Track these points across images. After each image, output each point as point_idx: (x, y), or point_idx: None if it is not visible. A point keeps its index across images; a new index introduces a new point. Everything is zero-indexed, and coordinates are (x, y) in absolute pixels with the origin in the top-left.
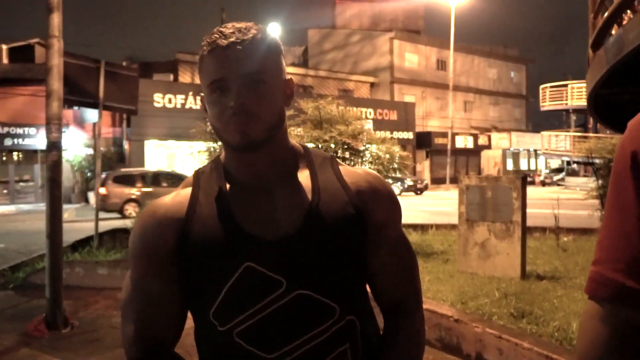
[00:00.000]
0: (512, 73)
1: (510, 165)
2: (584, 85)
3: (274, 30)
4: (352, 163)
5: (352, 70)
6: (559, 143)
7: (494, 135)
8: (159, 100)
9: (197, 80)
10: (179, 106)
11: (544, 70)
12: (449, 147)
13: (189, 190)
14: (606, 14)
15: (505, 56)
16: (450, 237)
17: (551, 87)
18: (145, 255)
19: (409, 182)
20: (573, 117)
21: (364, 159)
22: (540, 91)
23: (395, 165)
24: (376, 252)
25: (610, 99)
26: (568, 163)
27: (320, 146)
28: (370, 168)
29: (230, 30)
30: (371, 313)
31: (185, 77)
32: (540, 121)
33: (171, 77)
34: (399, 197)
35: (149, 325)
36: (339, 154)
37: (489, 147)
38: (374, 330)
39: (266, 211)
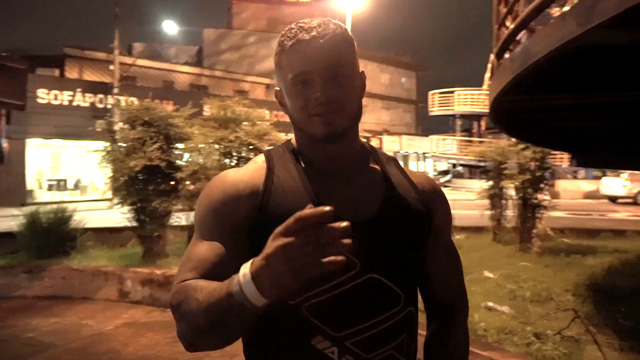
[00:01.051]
0: (403, 79)
1: None
2: (469, 92)
3: (170, 28)
4: None
5: (248, 71)
6: (446, 146)
7: (386, 138)
8: (44, 96)
9: (87, 77)
10: (65, 103)
11: (437, 78)
12: None
13: (263, 164)
14: (512, 26)
15: (397, 62)
16: None
17: (439, 93)
18: (213, 215)
19: None
20: (459, 122)
21: None
22: (429, 97)
23: None
24: (435, 252)
25: (510, 105)
26: (454, 165)
27: (224, 146)
28: None
29: (311, 25)
30: (418, 310)
31: (72, 73)
32: (429, 125)
33: (57, 72)
34: None
35: (207, 275)
36: (243, 155)
37: (380, 149)
38: (417, 326)
39: (344, 195)
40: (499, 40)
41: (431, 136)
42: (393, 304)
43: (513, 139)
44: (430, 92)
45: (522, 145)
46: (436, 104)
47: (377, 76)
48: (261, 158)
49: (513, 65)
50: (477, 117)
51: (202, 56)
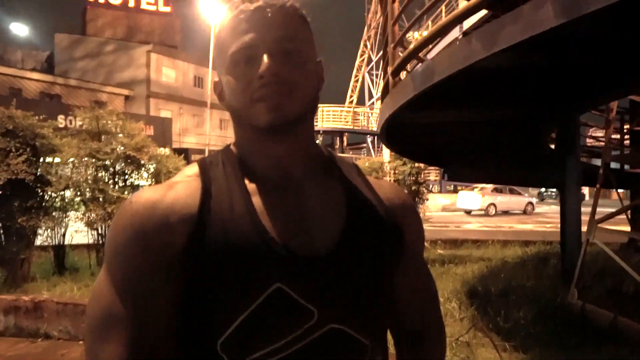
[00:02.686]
0: None
1: None
2: (332, 108)
3: (19, 30)
4: (135, 178)
5: (106, 81)
6: None
7: None
8: None
9: None
10: None
11: None
12: None
13: (196, 181)
14: (412, 46)
15: None
16: None
17: None
18: (142, 255)
19: None
20: (320, 138)
21: (143, 174)
22: None
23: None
24: (404, 275)
25: (402, 121)
26: None
27: (99, 159)
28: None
29: None
30: (387, 350)
31: None
32: None
33: None
34: None
35: (142, 351)
36: (117, 168)
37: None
38: None
39: (296, 215)
40: (394, 59)
41: None
42: (360, 358)
43: (385, 156)
44: None
45: (400, 161)
46: None
47: None
48: (193, 170)
49: (414, 83)
50: (339, 133)
51: (54, 63)
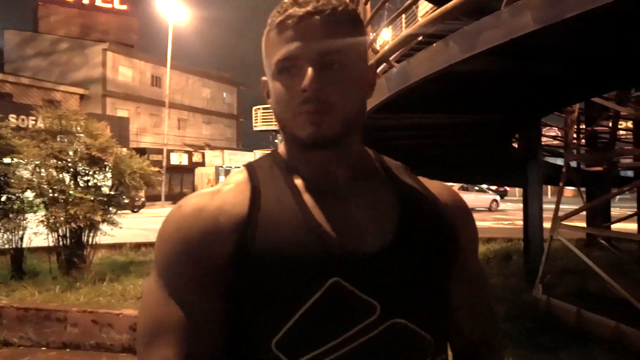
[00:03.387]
0: (224, 94)
1: None
2: None
3: None
4: (99, 180)
5: (60, 80)
6: None
7: (208, 153)
8: None
9: None
10: None
11: (258, 95)
12: (164, 164)
13: (245, 184)
14: (386, 48)
15: (218, 78)
16: None
17: (263, 109)
18: (189, 261)
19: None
20: (279, 137)
21: (108, 174)
22: (253, 112)
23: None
24: (458, 281)
25: (374, 123)
26: None
27: (61, 160)
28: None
29: None
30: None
31: None
32: (250, 141)
33: None
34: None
35: (193, 357)
36: (79, 169)
37: (202, 164)
38: None
39: (346, 219)
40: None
41: (255, 151)
42: (423, 354)
43: None
44: (255, 108)
45: None
46: (260, 119)
47: (198, 90)
48: (242, 175)
49: (389, 85)
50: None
51: (3, 61)
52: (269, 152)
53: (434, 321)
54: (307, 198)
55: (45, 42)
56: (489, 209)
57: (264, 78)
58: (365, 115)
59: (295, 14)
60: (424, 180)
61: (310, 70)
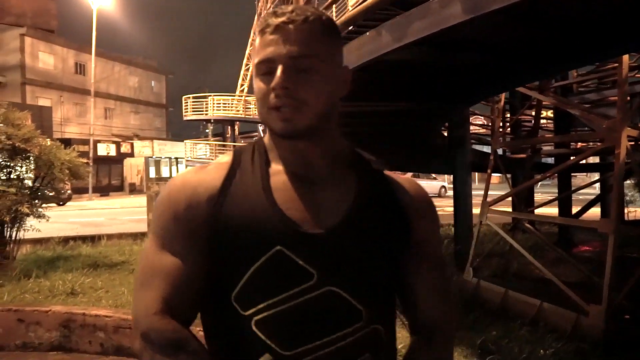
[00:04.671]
0: (152, 83)
1: (152, 173)
2: (223, 97)
3: None
4: (22, 172)
5: None
6: (199, 151)
7: (137, 143)
8: None
9: None
10: None
11: (186, 84)
12: (90, 154)
13: (226, 164)
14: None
15: (146, 66)
16: (125, 247)
17: (193, 98)
18: (174, 222)
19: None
20: (210, 127)
21: (30, 166)
22: (183, 102)
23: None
24: (418, 267)
25: None
26: None
27: None
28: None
29: (285, 10)
30: (394, 330)
31: None
32: (180, 130)
33: None
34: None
35: (175, 298)
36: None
37: (131, 154)
38: (393, 347)
39: (308, 201)
40: None
41: (186, 141)
42: (352, 320)
43: None
44: (184, 97)
45: None
46: (190, 108)
47: (124, 79)
48: (227, 157)
49: None
50: (230, 122)
51: None
52: (256, 139)
53: (370, 295)
54: (277, 180)
55: None
56: (439, 195)
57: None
58: (337, 111)
59: (273, 23)
60: (393, 175)
61: (279, 70)
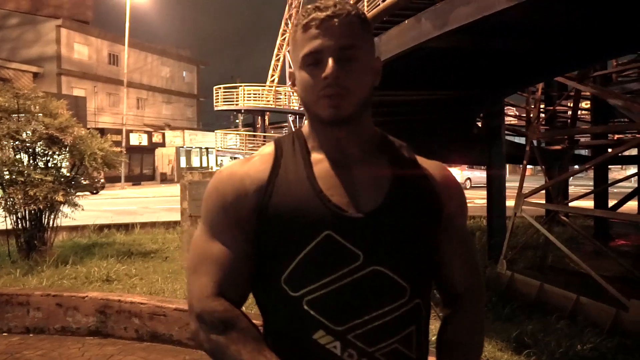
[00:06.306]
0: (184, 73)
1: (183, 163)
2: (254, 88)
3: None
4: (59, 160)
5: (10, 57)
6: (230, 141)
7: (168, 133)
8: None
9: None
10: None
11: (219, 74)
12: (123, 144)
13: (270, 154)
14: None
15: (178, 56)
16: (158, 235)
17: (224, 88)
18: (223, 212)
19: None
20: (241, 117)
21: (66, 155)
22: (214, 92)
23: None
24: (449, 241)
25: None
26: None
27: (19, 140)
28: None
29: (327, 4)
30: (430, 305)
31: None
32: (211, 120)
33: None
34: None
35: (225, 283)
36: (37, 150)
37: (163, 144)
38: (429, 321)
39: (348, 186)
40: None
41: (216, 131)
42: (397, 296)
43: None
44: (215, 87)
45: None
46: (221, 99)
47: (157, 69)
48: (270, 147)
49: None
50: (261, 112)
51: None
52: (295, 130)
53: (413, 272)
54: (319, 168)
55: None
56: (464, 187)
57: (290, 70)
58: (371, 100)
59: (318, 17)
60: (422, 159)
61: (330, 61)
